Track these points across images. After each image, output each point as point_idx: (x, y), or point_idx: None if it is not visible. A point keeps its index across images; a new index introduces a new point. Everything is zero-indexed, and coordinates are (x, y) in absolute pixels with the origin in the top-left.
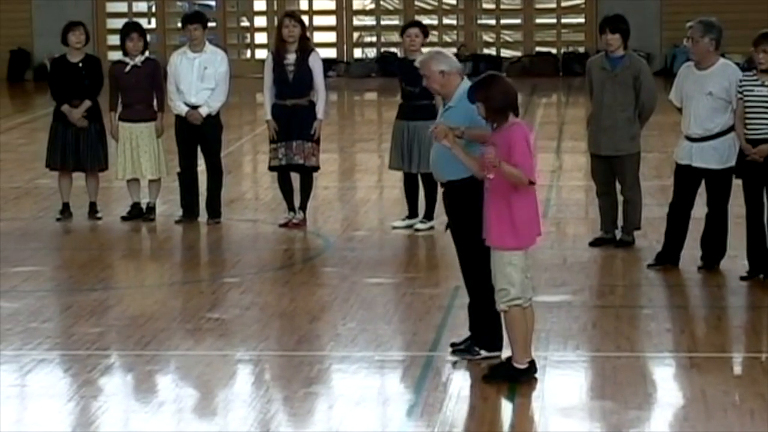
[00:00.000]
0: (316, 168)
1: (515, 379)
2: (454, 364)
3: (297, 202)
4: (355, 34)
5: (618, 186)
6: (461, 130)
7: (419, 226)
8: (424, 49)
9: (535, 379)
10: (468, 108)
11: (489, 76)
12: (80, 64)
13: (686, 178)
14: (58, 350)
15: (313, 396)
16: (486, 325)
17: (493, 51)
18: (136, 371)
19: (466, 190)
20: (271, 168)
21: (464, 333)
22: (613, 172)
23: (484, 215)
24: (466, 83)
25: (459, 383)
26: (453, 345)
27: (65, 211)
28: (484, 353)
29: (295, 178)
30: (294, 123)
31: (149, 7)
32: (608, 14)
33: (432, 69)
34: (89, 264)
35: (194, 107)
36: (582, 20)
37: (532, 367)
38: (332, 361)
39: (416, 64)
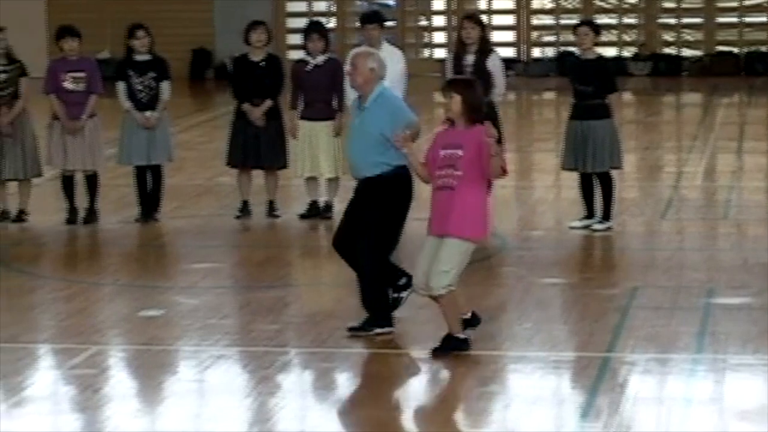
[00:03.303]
0: None
1: (461, 348)
2: (632, 365)
3: None
4: (534, 34)
5: None
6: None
7: (596, 226)
8: (597, 48)
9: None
10: (382, 111)
11: (470, 79)
12: (262, 63)
13: None
14: (236, 346)
15: (489, 395)
16: (380, 304)
17: (673, 50)
18: (313, 368)
19: (380, 186)
20: None
21: (641, 333)
22: None
23: (443, 210)
24: (382, 88)
25: (635, 385)
26: (350, 329)
27: (244, 208)
28: (377, 330)
29: None
30: None
31: (328, 7)
32: None
33: (365, 64)
34: (267, 261)
35: None
36: (765, 19)
37: (467, 340)
38: (508, 361)
39: (351, 53)
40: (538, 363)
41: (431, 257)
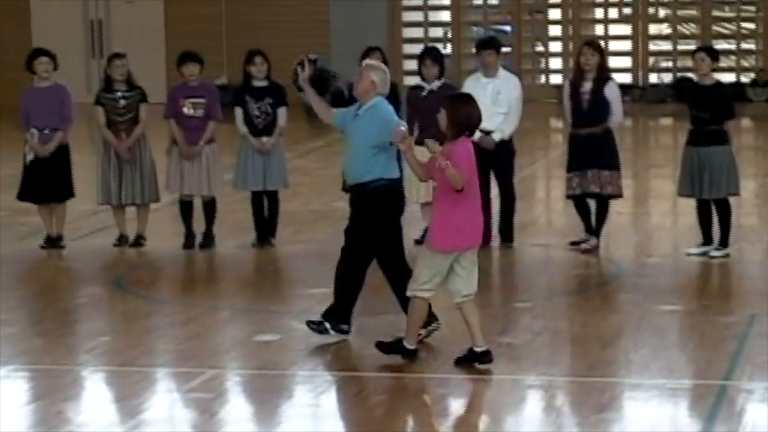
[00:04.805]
0: (615, 195)
1: (402, 354)
2: (749, 393)
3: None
4: (651, 59)
5: None
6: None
7: (714, 253)
8: (715, 74)
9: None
10: (371, 122)
11: (465, 95)
12: None
13: None
14: (350, 371)
15: (605, 422)
16: (345, 303)
17: None
18: (429, 393)
19: (369, 198)
20: (568, 197)
21: (759, 361)
22: None
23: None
24: (376, 100)
25: (753, 413)
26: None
27: None
28: (329, 328)
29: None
30: (589, 152)
31: (444, 33)
32: None
33: (369, 75)
34: (382, 286)
35: (487, 132)
36: None
37: (414, 352)
38: (624, 388)
39: (366, 61)
40: (654, 390)
41: None
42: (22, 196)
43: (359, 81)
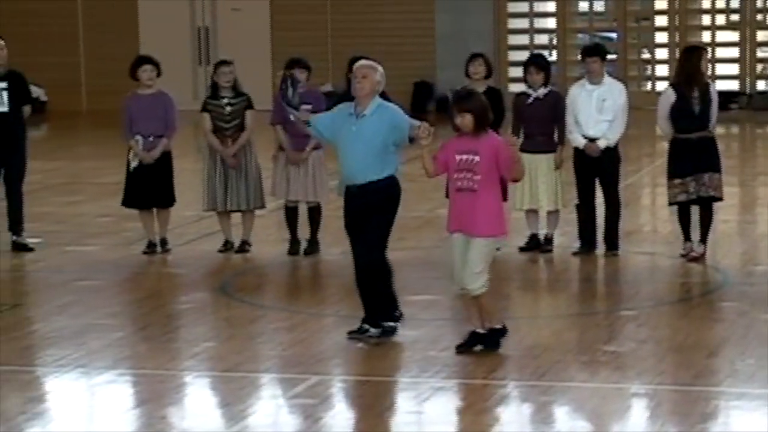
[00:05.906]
0: (721, 198)
1: (503, 336)
2: None
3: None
4: (759, 66)
5: None
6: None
7: None
8: None
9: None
10: (384, 120)
11: (472, 91)
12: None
13: None
14: (455, 379)
15: None
16: (381, 304)
17: None
18: (532, 401)
19: (381, 192)
20: (673, 203)
21: None
22: None
23: (466, 210)
24: (379, 100)
25: None
26: (350, 333)
27: None
28: (373, 331)
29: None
30: (703, 156)
31: (550, 40)
32: None
33: (374, 77)
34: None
35: (592, 140)
36: None
37: (504, 327)
38: (729, 398)
39: (363, 62)
40: (761, 400)
41: (464, 255)
42: (127, 202)
43: (364, 82)
